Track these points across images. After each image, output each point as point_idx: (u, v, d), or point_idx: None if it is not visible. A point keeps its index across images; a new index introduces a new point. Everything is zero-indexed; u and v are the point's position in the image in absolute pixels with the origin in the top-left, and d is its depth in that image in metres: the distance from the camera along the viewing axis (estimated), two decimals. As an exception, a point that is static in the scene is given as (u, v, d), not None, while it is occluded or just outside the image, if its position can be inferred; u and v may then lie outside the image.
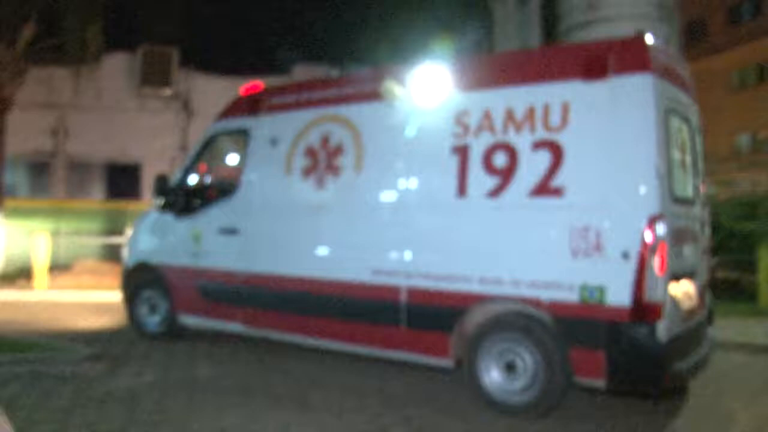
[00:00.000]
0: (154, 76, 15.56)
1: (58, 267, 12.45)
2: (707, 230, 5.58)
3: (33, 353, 5.83)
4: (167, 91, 15.65)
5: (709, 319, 5.63)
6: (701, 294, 5.26)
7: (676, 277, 4.59)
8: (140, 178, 15.44)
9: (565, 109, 4.60)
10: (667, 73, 4.71)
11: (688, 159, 5.03)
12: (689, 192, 5.03)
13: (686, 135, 5.04)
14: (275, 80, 12.05)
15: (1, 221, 12.36)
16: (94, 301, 10.31)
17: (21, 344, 6.19)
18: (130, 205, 14.71)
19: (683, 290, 4.72)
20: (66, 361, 5.73)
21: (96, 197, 15.81)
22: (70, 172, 15.69)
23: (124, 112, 15.56)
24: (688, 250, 4.88)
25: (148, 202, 9.50)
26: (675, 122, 4.75)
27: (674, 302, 4.51)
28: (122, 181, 15.71)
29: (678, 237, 4.61)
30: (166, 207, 6.85)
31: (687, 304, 4.77)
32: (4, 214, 12.58)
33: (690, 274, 4.90)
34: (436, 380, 5.60)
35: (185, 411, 4.64)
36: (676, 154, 4.73)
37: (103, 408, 4.63)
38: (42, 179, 15.63)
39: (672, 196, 4.53)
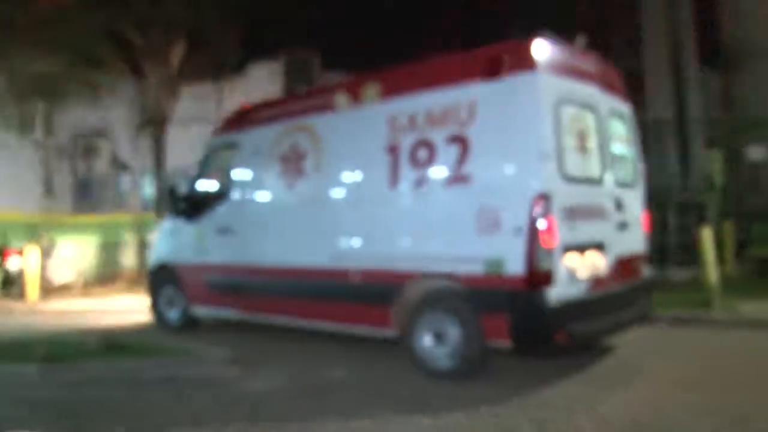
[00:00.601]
0: (297, 81, 15.32)
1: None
2: (637, 207, 6.07)
3: (173, 358, 6.07)
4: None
5: (647, 288, 6.16)
6: (625, 265, 5.74)
7: (577, 249, 5.17)
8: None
9: (472, 107, 5.28)
10: (562, 70, 5.29)
11: (593, 144, 5.52)
12: (593, 172, 5.51)
13: (591, 122, 5.54)
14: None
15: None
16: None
17: (164, 349, 6.44)
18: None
19: (587, 261, 5.27)
20: (203, 365, 5.92)
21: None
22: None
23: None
24: (591, 225, 5.37)
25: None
26: (571, 112, 5.29)
27: (570, 271, 5.08)
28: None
29: (574, 213, 5.15)
30: (178, 213, 7.94)
31: (591, 272, 5.28)
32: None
33: (597, 246, 5.42)
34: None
35: (314, 415, 4.53)
36: (572, 141, 5.26)
37: (236, 410, 4.69)
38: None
39: (564, 177, 5.09)
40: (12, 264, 12.34)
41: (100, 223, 15.09)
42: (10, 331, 8.05)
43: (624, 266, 5.80)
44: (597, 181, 5.59)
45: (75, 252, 13.94)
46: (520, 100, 5.05)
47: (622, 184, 5.92)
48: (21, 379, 5.63)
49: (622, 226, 5.81)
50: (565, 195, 5.07)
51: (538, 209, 4.83)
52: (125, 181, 18.05)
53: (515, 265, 4.90)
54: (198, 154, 8.10)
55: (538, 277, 4.86)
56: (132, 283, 13.06)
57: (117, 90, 14.87)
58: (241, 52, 13.75)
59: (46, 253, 12.70)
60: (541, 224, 4.84)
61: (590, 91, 5.62)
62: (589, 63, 5.76)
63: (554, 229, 4.91)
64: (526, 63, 5.06)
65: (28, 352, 6.07)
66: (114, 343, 6.40)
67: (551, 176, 4.96)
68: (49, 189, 16.27)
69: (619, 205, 5.78)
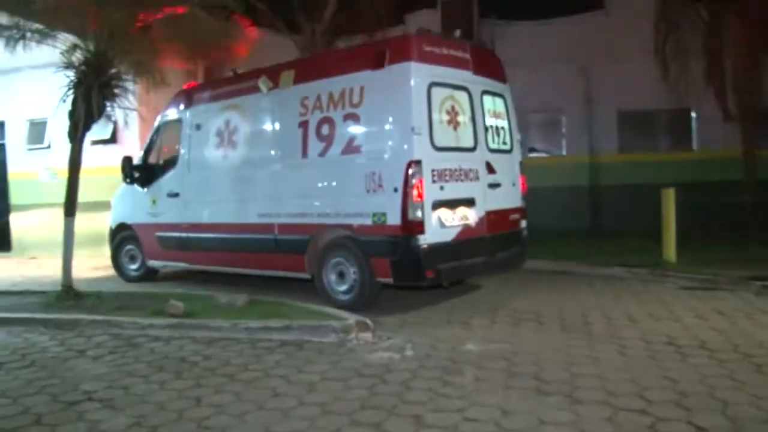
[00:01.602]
0: (454, 29, 13.96)
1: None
2: (511, 170, 7.28)
3: (303, 321, 5.79)
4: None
5: (521, 238, 7.47)
6: (497, 218, 6.95)
7: (446, 204, 6.46)
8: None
9: (362, 91, 6.56)
10: (434, 59, 6.51)
11: (465, 118, 6.78)
12: (465, 142, 6.76)
13: (463, 101, 6.76)
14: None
15: None
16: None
17: (300, 310, 6.25)
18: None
19: (457, 214, 6.56)
20: (332, 330, 5.58)
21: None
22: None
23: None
24: (461, 185, 6.64)
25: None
26: (443, 93, 6.53)
27: (440, 221, 6.40)
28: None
29: (443, 176, 6.44)
30: (132, 181, 9.09)
31: (461, 223, 6.59)
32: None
33: (468, 202, 6.70)
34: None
35: (434, 392, 4.17)
36: (443, 116, 6.53)
37: (351, 381, 4.44)
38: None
39: (434, 146, 6.37)
40: None
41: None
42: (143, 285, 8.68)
43: (496, 219, 7.10)
44: (469, 149, 6.87)
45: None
46: (396, 85, 6.33)
47: (496, 151, 7.22)
48: (153, 332, 5.92)
49: (494, 186, 7.11)
50: (434, 161, 6.35)
51: (410, 172, 6.13)
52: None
53: (394, 218, 6.23)
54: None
55: (410, 226, 6.17)
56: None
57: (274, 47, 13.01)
58: (398, 1, 13.23)
59: None
60: (412, 185, 6.14)
61: (463, 75, 6.87)
62: (463, 51, 6.99)
63: (423, 189, 6.19)
64: (402, 55, 6.33)
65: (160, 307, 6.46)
66: (255, 300, 6.70)
67: (421, 147, 6.23)
68: None
69: (491, 169, 7.10)
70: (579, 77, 13.52)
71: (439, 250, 6.41)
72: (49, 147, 12.84)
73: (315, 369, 4.82)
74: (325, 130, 6.86)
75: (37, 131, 13.09)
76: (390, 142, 6.36)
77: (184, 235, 8.42)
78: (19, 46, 7.45)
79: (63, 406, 4.15)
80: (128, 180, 9.13)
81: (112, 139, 12.23)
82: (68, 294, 7.25)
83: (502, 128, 7.45)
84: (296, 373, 4.74)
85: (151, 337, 5.80)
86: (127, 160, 9.11)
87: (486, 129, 7.10)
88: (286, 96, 7.31)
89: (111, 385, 4.56)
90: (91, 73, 7.28)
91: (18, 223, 12.99)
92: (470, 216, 6.81)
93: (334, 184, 6.82)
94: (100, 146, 11.91)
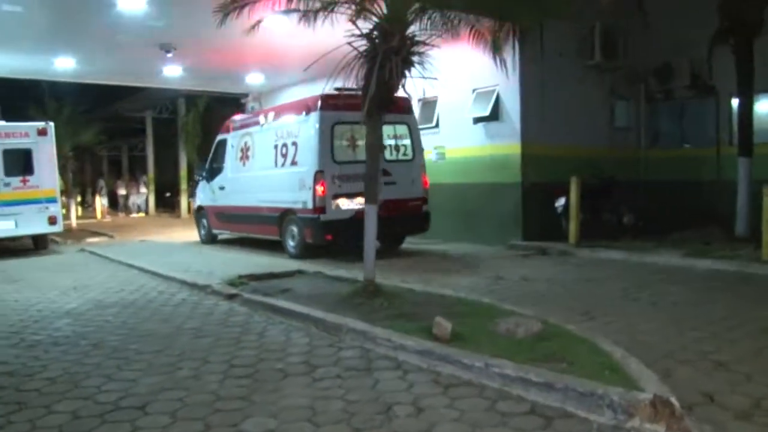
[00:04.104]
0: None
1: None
2: (411, 172, 11.17)
3: (573, 380, 3.92)
4: None
5: (415, 216, 11.25)
6: (392, 205, 10.45)
7: (345, 196, 10.60)
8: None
9: (299, 127, 11.06)
10: (338, 107, 10.60)
11: (362, 141, 10.59)
12: (362, 156, 10.11)
13: (354, 132, 10.61)
14: None
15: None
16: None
17: (585, 357, 4.55)
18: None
19: (354, 201, 10.58)
20: (607, 405, 3.61)
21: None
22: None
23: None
24: (357, 184, 10.26)
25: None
26: (344, 128, 10.68)
27: (338, 206, 10.62)
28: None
29: (341, 178, 10.54)
30: (203, 179, 14.40)
31: (357, 207, 10.46)
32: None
33: (355, 195, 10.46)
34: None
35: None
36: (344, 142, 10.75)
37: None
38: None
39: (334, 161, 10.57)
40: (559, 203, 11.60)
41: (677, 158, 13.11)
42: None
43: (391, 205, 10.89)
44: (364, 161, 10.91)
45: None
46: (311, 125, 10.71)
47: (393, 161, 11.18)
48: (401, 356, 4.96)
49: (389, 183, 10.94)
50: (334, 170, 10.58)
51: (315, 177, 10.48)
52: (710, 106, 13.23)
53: (310, 204, 10.63)
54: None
55: (318, 209, 10.55)
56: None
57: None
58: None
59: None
60: (317, 185, 10.48)
61: (359, 115, 10.85)
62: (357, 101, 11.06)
63: (325, 187, 10.50)
64: (315, 107, 10.71)
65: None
66: (550, 329, 5.22)
67: (324, 162, 10.51)
68: (612, 120, 13.57)
69: (386, 173, 10.95)
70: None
71: (336, 223, 10.61)
72: (437, 126, 13.51)
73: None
74: (283, 150, 11.47)
75: (427, 111, 13.60)
76: (309, 159, 10.74)
77: (227, 213, 13.44)
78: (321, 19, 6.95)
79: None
80: (201, 178, 14.48)
81: (492, 116, 12.17)
82: (365, 290, 6.76)
83: (403, 145, 11.45)
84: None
85: (393, 362, 4.84)
86: (200, 164, 14.50)
87: (388, 146, 11.17)
88: (269, 128, 12.03)
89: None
90: (382, 39, 6.59)
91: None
92: (355, 202, 10.73)
93: (286, 183, 11.34)
94: (482, 125, 12.41)
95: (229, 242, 14.12)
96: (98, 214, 25.66)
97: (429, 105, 13.74)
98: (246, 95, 20.14)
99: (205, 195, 14.32)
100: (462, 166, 13.12)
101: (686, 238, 11.07)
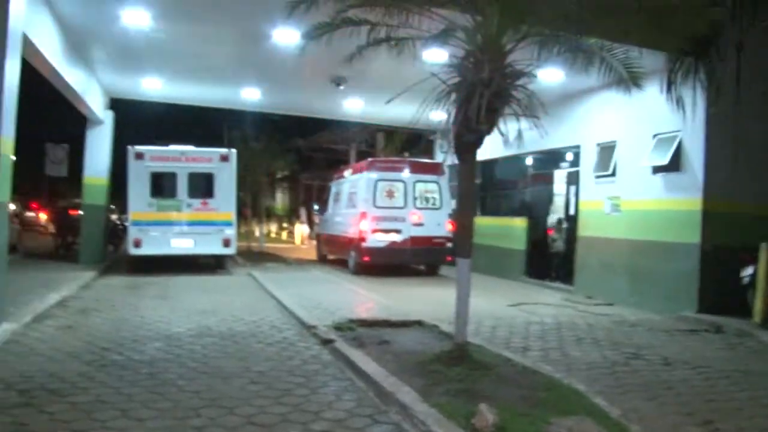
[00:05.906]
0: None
1: None
2: (438, 217, 12.55)
3: None
4: None
5: (435, 252, 12.73)
6: (419, 240, 12.52)
7: (382, 231, 11.57)
8: None
9: (357, 182, 12.46)
10: (382, 169, 12.13)
11: (399, 193, 11.78)
12: (398, 204, 11.95)
13: (399, 185, 11.99)
14: None
15: None
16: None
17: None
18: None
19: (389, 236, 11.83)
20: None
21: None
22: None
23: None
24: (392, 222, 11.65)
25: None
26: (384, 184, 11.66)
27: (377, 237, 11.65)
28: None
29: (380, 219, 11.48)
30: (321, 212, 15.93)
31: (391, 240, 11.99)
32: None
33: (396, 231, 11.67)
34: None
35: None
36: (384, 193, 12.02)
37: None
38: None
39: (375, 205, 11.70)
40: (746, 272, 7.94)
41: None
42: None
43: (417, 241, 11.42)
44: (400, 207, 11.42)
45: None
46: (365, 180, 12.33)
47: (423, 208, 11.74)
48: None
49: (418, 225, 11.44)
50: (374, 212, 11.07)
51: (359, 218, 11.40)
52: None
53: (357, 234, 11.50)
54: None
55: (362, 239, 11.11)
56: None
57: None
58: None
59: None
60: (363, 223, 11.26)
61: (399, 175, 11.75)
62: (402, 164, 12.02)
63: (368, 224, 10.93)
64: (365, 169, 12.73)
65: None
66: None
67: (367, 206, 11.41)
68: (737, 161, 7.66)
69: (417, 217, 11.57)
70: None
71: (373, 249, 10.97)
72: (613, 174, 9.93)
73: None
74: (350, 197, 12.98)
75: (605, 157, 10.16)
76: (359, 204, 11.75)
77: (330, 239, 14.62)
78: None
79: None
80: (319, 212, 16.44)
81: (672, 166, 8.79)
82: (450, 354, 5.11)
83: (432, 197, 11.88)
84: None
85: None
86: (320, 202, 16.53)
87: (415, 198, 11.77)
88: (347, 181, 13.07)
89: None
90: (473, 69, 4.85)
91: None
92: (396, 238, 11.18)
93: (350, 219, 12.31)
94: (660, 175, 8.85)
95: (391, 275, 12.46)
96: (296, 240, 24.65)
97: (606, 151, 10.19)
98: (434, 132, 15.39)
99: (322, 225, 16.30)
100: (637, 220, 9.64)
101: None
